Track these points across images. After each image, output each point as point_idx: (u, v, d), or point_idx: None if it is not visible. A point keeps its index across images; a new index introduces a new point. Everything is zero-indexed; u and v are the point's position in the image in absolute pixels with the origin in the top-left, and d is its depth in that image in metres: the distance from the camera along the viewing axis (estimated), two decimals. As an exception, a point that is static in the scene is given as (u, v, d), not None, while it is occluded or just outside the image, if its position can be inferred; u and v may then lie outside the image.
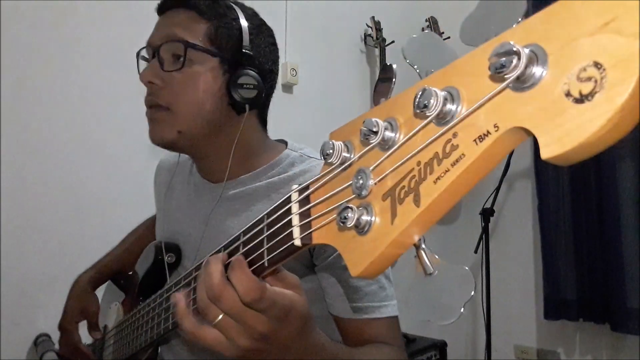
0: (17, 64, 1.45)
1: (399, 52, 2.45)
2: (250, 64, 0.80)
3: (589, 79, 0.22)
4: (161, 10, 0.82)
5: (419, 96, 0.31)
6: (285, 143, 0.90)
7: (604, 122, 0.21)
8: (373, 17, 2.42)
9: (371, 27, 2.42)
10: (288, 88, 2.11)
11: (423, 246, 0.34)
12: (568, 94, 0.23)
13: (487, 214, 2.12)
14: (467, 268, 0.32)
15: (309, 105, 2.14)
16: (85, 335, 1.05)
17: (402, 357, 0.77)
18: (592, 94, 0.22)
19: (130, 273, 1.02)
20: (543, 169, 2.36)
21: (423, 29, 2.68)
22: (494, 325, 2.07)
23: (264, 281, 0.48)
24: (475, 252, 2.10)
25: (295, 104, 2.11)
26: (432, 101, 0.30)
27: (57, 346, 1.09)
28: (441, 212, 0.32)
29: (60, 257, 1.48)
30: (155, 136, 0.80)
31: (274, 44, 0.86)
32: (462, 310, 0.31)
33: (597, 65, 0.22)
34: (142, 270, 0.94)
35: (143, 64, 0.85)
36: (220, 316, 0.47)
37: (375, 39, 2.40)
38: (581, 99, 0.23)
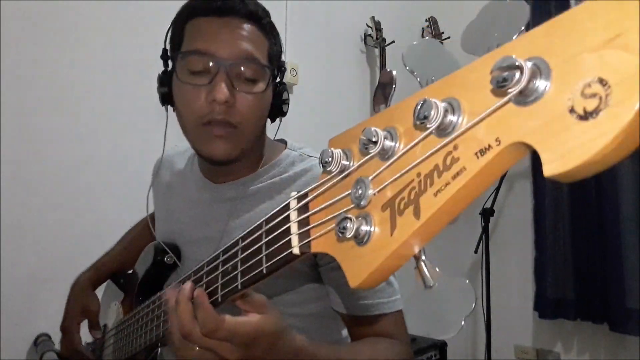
0: (17, 64, 1.45)
1: (399, 52, 2.45)
2: (283, 75, 0.85)
3: (593, 95, 0.22)
4: (222, 12, 0.76)
5: (419, 107, 0.30)
6: (285, 143, 0.90)
7: (609, 141, 0.21)
8: (373, 17, 2.41)
9: (371, 27, 2.41)
10: (288, 88, 2.11)
11: (423, 258, 0.34)
12: (572, 110, 0.23)
13: (487, 214, 2.12)
14: (467, 281, 0.32)
15: (309, 105, 2.13)
16: (86, 334, 1.05)
17: (404, 350, 0.77)
18: (596, 112, 0.22)
19: (130, 272, 1.01)
20: (540, 169, 2.35)
21: (423, 29, 2.67)
22: (493, 325, 2.07)
23: (222, 315, 0.54)
24: (475, 252, 2.09)
25: (295, 104, 2.10)
26: (432, 113, 0.29)
27: (57, 346, 1.09)
28: (441, 224, 0.31)
29: (60, 257, 1.48)
30: (220, 152, 0.77)
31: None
32: (462, 324, 0.31)
33: (601, 81, 0.22)
34: (141, 270, 0.94)
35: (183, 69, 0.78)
36: (197, 348, 0.55)
37: (375, 39, 2.40)
38: (585, 116, 0.22)
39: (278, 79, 0.85)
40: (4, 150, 1.42)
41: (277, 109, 0.84)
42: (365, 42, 2.46)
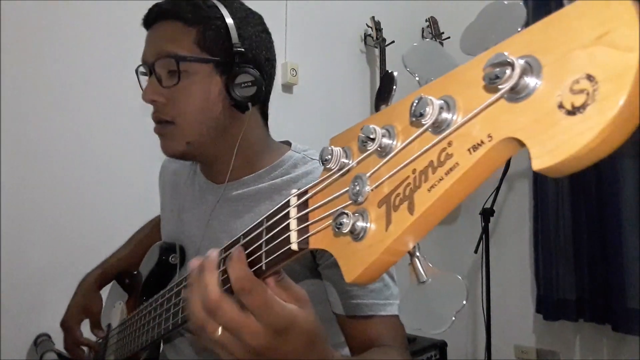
0: (17, 64, 1.45)
1: (399, 52, 2.44)
2: (245, 60, 0.79)
3: (581, 91, 0.22)
4: (147, 24, 0.82)
5: (414, 104, 0.31)
6: (289, 144, 0.90)
7: (595, 134, 0.22)
8: (373, 17, 2.42)
9: (371, 27, 2.42)
10: (288, 88, 2.11)
11: (417, 254, 0.34)
12: (561, 106, 0.23)
13: (487, 214, 2.12)
14: (460, 277, 0.32)
15: (308, 105, 2.14)
16: (88, 334, 1.06)
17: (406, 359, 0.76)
18: (584, 106, 0.22)
19: (135, 273, 1.02)
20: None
21: (423, 29, 2.67)
22: (493, 325, 2.08)
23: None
24: (475, 252, 2.10)
25: (295, 104, 2.11)
26: (427, 110, 0.30)
27: (57, 346, 1.10)
28: (435, 220, 0.32)
29: (60, 257, 1.49)
30: (166, 150, 0.83)
31: (265, 31, 0.85)
32: (453, 319, 0.32)
33: (589, 77, 0.22)
34: (146, 270, 0.94)
35: (144, 79, 0.85)
36: (220, 331, 0.46)
37: (375, 39, 2.40)
38: (573, 111, 0.23)
39: (227, 63, 0.79)
40: (5, 150, 1.43)
41: (236, 96, 0.78)
42: (365, 42, 2.47)
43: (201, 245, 0.88)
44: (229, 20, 0.79)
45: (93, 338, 1.06)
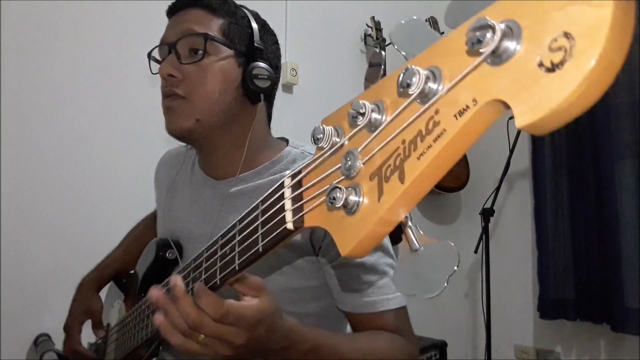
0: (17, 64, 1.46)
1: (399, 52, 2.45)
2: (261, 57, 0.84)
3: (559, 48, 0.23)
4: (173, 11, 0.86)
5: (401, 76, 0.32)
6: (287, 141, 0.91)
7: (573, 88, 0.22)
8: (373, 17, 2.42)
9: (371, 27, 2.42)
10: (288, 88, 2.12)
11: (410, 224, 0.35)
12: (540, 65, 0.24)
13: (487, 214, 2.12)
14: (452, 243, 0.33)
15: (309, 105, 2.14)
16: (90, 335, 1.06)
17: (408, 348, 0.78)
18: (562, 63, 0.23)
19: (132, 272, 1.02)
20: (540, 169, 2.37)
21: (423, 30, 2.68)
22: (493, 325, 2.07)
23: (226, 300, 0.55)
24: (475, 252, 2.10)
25: (295, 104, 2.12)
26: (414, 79, 0.31)
27: (57, 346, 1.10)
28: (426, 188, 0.32)
29: (60, 257, 1.49)
30: (173, 125, 0.82)
31: (277, 42, 0.90)
32: (445, 284, 0.32)
33: (566, 35, 0.23)
34: (143, 267, 0.94)
35: (155, 66, 0.87)
36: (202, 336, 0.56)
37: (375, 39, 2.40)
38: (552, 68, 0.23)
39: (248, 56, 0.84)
40: (5, 150, 1.43)
41: (251, 85, 0.82)
42: (365, 42, 2.47)
43: (198, 241, 0.88)
44: (253, 21, 0.85)
45: (93, 338, 1.07)
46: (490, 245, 2.13)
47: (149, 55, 0.89)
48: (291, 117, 1.86)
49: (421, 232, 0.34)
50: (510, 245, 2.52)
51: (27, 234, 1.46)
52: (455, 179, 2.48)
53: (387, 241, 0.82)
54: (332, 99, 2.29)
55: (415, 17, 0.39)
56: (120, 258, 1.10)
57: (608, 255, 2.12)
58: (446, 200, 2.64)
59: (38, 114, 1.50)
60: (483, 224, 2.13)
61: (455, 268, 0.32)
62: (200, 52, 0.80)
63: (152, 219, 1.12)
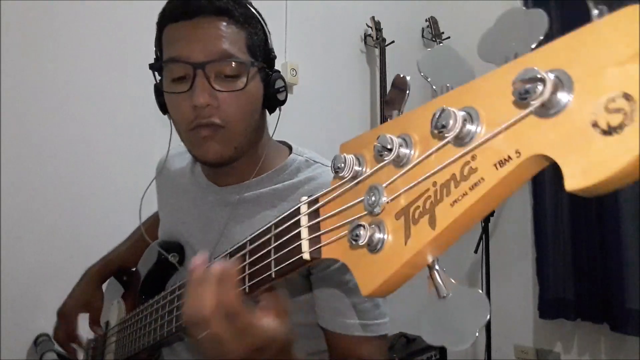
0: (18, 65, 1.45)
1: (399, 52, 2.44)
2: (273, 65, 0.82)
3: (617, 110, 0.22)
4: (186, 15, 0.74)
5: (437, 116, 0.30)
6: (289, 146, 0.89)
7: (634, 157, 0.21)
8: (373, 17, 2.41)
9: (371, 27, 2.41)
10: (288, 88, 2.11)
11: (437, 267, 0.33)
12: (595, 125, 0.23)
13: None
14: (481, 292, 0.32)
15: (309, 105, 2.13)
16: (86, 330, 1.05)
17: None
18: (621, 127, 0.22)
19: (133, 270, 1.02)
20: (541, 171, 2.36)
21: (423, 29, 2.67)
22: (493, 325, 2.08)
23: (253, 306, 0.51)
24: (475, 252, 2.10)
25: (295, 104, 2.10)
26: (451, 122, 0.29)
27: (57, 346, 1.09)
28: (457, 235, 0.31)
29: (60, 257, 1.48)
30: (212, 155, 0.76)
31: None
32: (476, 335, 0.31)
33: (626, 96, 0.22)
34: (144, 268, 0.94)
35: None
36: (204, 333, 0.50)
37: (375, 39, 2.40)
38: (609, 131, 0.22)
39: (267, 68, 0.81)
40: (4, 149, 1.42)
41: (273, 98, 0.80)
42: (365, 42, 2.46)
43: (199, 247, 0.86)
44: (264, 25, 0.80)
45: (90, 334, 1.06)
46: (490, 245, 2.13)
47: (153, 67, 0.79)
48: (291, 117, 1.84)
49: (452, 279, 0.33)
50: (510, 245, 2.52)
51: (27, 233, 1.45)
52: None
53: None
54: (332, 99, 2.28)
55: (443, 44, 0.38)
56: (125, 255, 1.08)
57: (608, 255, 2.13)
58: (446, 199, 2.63)
59: (37, 114, 1.49)
60: (483, 224, 2.13)
61: (488, 317, 0.31)
62: (243, 79, 0.74)
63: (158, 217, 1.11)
